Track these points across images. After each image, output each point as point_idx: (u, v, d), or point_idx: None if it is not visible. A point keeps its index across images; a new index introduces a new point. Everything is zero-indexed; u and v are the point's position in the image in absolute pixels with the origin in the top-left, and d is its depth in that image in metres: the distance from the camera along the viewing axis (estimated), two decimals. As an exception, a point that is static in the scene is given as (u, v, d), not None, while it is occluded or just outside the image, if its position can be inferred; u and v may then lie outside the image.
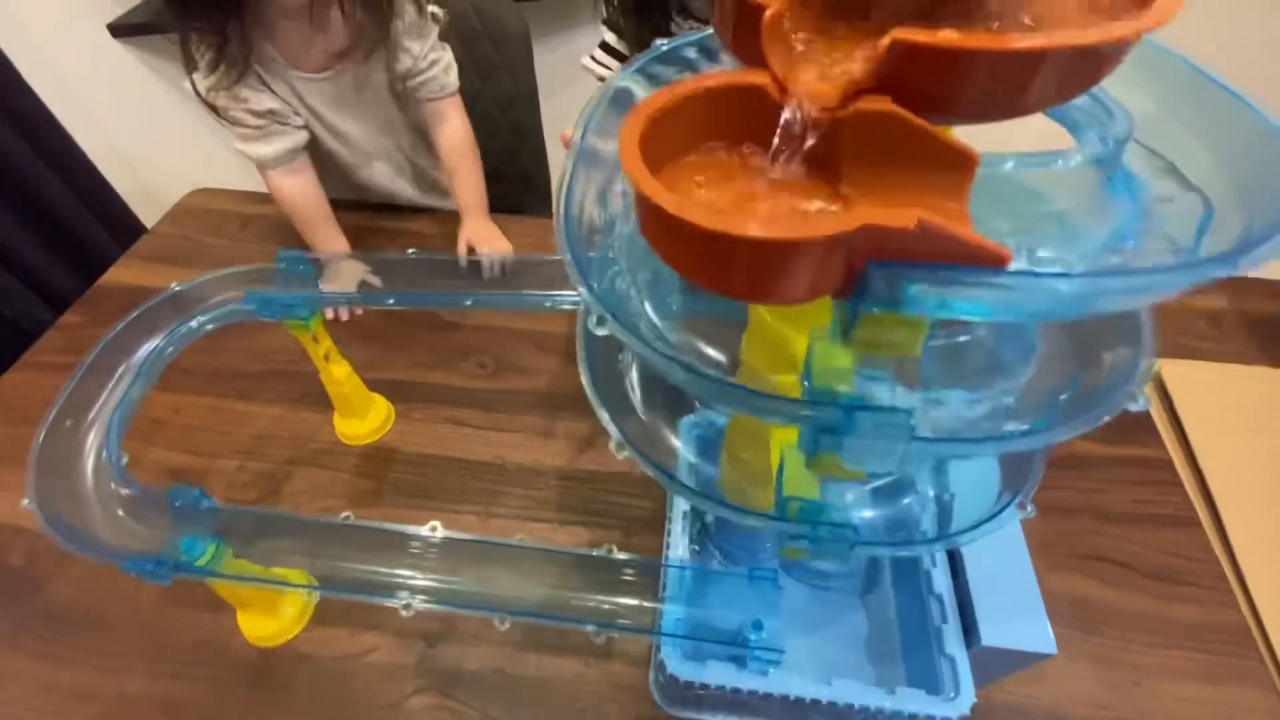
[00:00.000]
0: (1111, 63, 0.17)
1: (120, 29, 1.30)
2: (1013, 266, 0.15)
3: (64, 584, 0.54)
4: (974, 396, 0.24)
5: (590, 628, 0.39)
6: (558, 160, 1.13)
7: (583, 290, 0.21)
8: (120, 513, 0.42)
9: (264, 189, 0.75)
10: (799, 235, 0.13)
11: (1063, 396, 0.22)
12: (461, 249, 0.75)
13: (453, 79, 0.75)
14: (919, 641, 0.44)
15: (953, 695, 0.40)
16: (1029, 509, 0.29)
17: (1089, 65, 0.16)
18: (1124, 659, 0.50)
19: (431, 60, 0.72)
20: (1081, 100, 0.21)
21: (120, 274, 0.79)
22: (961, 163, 0.16)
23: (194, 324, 0.48)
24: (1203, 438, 0.62)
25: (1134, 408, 0.20)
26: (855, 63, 0.16)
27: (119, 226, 1.23)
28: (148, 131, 1.41)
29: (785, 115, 0.16)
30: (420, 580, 0.40)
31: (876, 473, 0.34)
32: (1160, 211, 0.20)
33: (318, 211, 0.75)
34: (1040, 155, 0.18)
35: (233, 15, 0.60)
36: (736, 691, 0.40)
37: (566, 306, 0.47)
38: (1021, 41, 0.14)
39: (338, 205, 0.77)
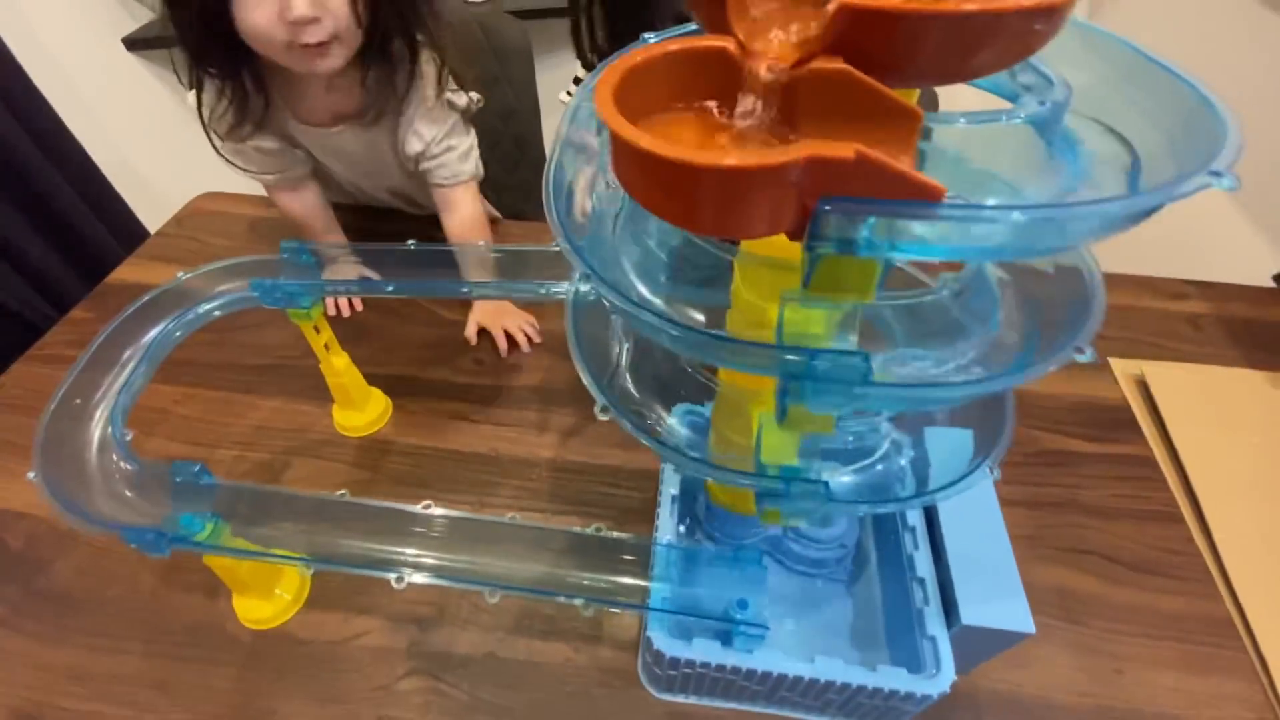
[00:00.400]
0: (1048, 26, 0.18)
1: (135, 42, 1.34)
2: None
3: (63, 567, 0.54)
4: (939, 356, 0.25)
5: (579, 601, 0.40)
6: (557, 170, 1.16)
7: (565, 246, 0.23)
8: (123, 488, 0.43)
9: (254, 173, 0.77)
10: (750, 163, 0.15)
11: (1018, 355, 0.24)
12: (470, 330, 0.72)
13: (468, 167, 0.71)
14: (902, 625, 0.45)
15: (933, 673, 0.40)
16: (996, 472, 0.30)
17: (1023, 28, 0.18)
18: (1107, 648, 0.51)
19: (446, 146, 0.68)
20: (1024, 74, 0.23)
21: (127, 272, 0.81)
22: (908, 118, 0.18)
23: (200, 310, 0.50)
24: (1184, 436, 0.63)
25: (1081, 358, 0.22)
26: (810, 27, 0.17)
27: (126, 235, 1.26)
28: (159, 142, 1.45)
29: (747, 76, 0.18)
30: (414, 555, 0.41)
31: (845, 428, 0.35)
32: (1099, 175, 0.21)
33: (322, 226, 0.76)
34: (989, 112, 0.20)
35: (245, 64, 0.58)
36: (721, 668, 0.41)
37: (560, 293, 0.48)
38: (955, 5, 0.16)
39: (340, 208, 0.79)
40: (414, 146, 0.67)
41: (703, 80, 0.19)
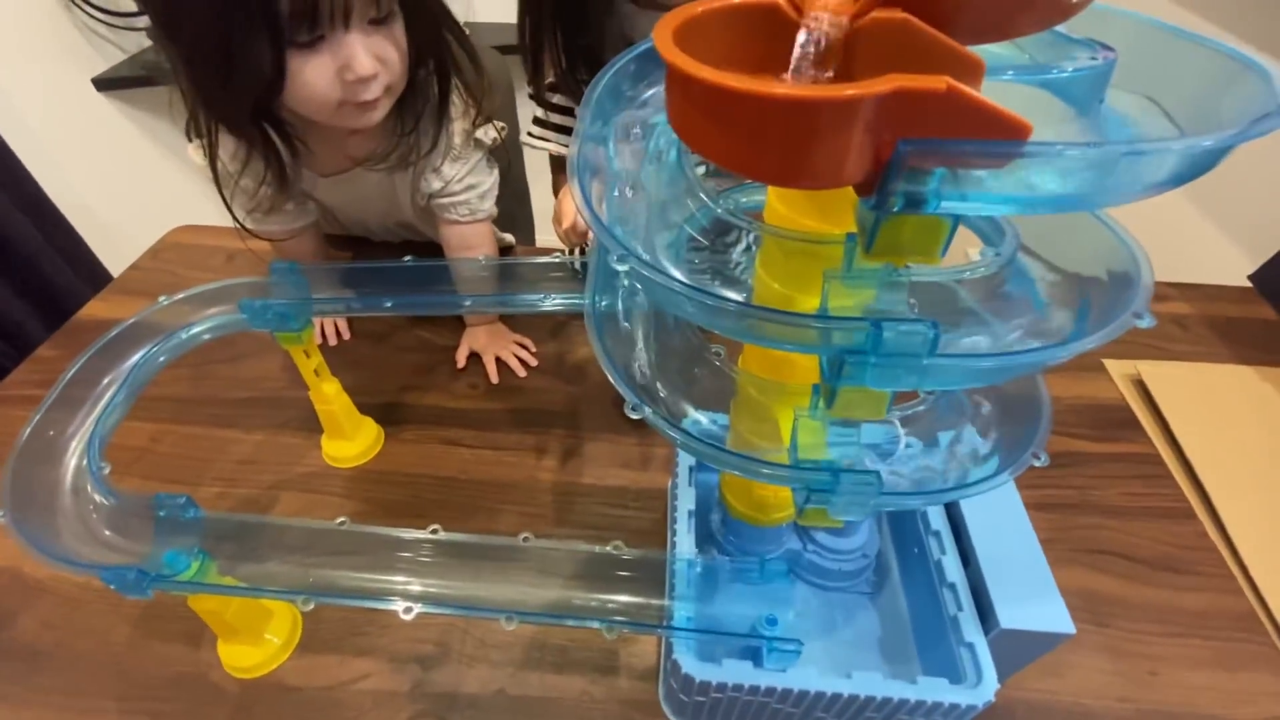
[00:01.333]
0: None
1: (105, 83, 1.32)
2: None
3: (29, 621, 0.50)
4: (992, 331, 0.24)
5: (598, 625, 0.37)
6: (539, 200, 1.16)
7: (601, 231, 0.22)
8: (100, 526, 0.39)
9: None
10: (832, 94, 0.14)
11: (1069, 328, 0.23)
12: (461, 354, 0.69)
13: (488, 205, 0.67)
14: (934, 634, 0.43)
15: (975, 682, 0.39)
16: (1043, 458, 0.29)
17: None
18: (1138, 650, 0.50)
19: (468, 185, 0.64)
20: (1054, 47, 0.23)
21: (99, 308, 0.77)
22: (970, 67, 0.17)
23: (184, 335, 0.47)
24: (1187, 433, 0.63)
25: (1141, 323, 0.21)
26: (865, -22, 0.17)
27: (91, 278, 1.22)
28: (130, 183, 1.42)
29: (804, 29, 0.17)
30: (421, 584, 0.39)
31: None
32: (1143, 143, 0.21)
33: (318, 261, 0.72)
34: (1038, 65, 0.19)
35: (272, 124, 0.52)
36: (754, 690, 0.39)
37: (559, 305, 0.47)
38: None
39: (336, 239, 0.77)
40: (433, 185, 0.64)
41: (752, 40, 0.18)
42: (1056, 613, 0.40)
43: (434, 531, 0.40)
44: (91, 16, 1.27)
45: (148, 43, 1.34)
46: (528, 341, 0.72)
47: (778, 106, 0.14)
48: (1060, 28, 0.22)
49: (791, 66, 0.18)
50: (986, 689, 0.38)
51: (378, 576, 0.38)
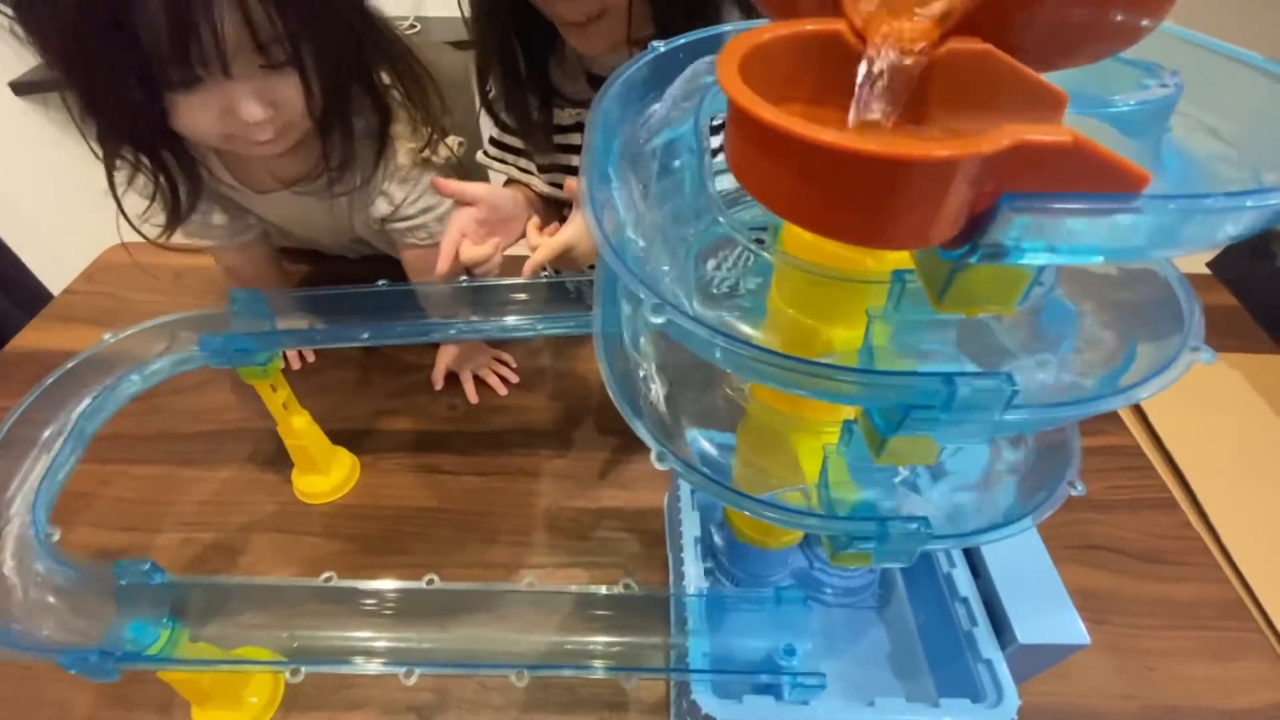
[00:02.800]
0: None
1: (23, 86, 1.22)
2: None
3: (-28, 698, 0.45)
4: (1029, 368, 0.23)
5: (608, 674, 0.36)
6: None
7: (630, 280, 0.20)
8: (52, 599, 0.35)
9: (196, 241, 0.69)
10: (943, 154, 0.12)
11: (1123, 356, 0.22)
12: (438, 374, 0.66)
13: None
14: (947, 649, 0.43)
15: (996, 701, 0.38)
16: (1079, 487, 0.28)
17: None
18: (1134, 645, 0.50)
19: (423, 208, 0.58)
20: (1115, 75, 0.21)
21: (32, 338, 0.71)
22: (1053, 102, 0.15)
23: (134, 378, 0.43)
24: (1165, 423, 0.64)
25: (1205, 359, 0.20)
26: (939, 3, 0.15)
27: (26, 298, 1.12)
28: (57, 192, 1.31)
29: (872, 61, 0.15)
30: (418, 643, 0.36)
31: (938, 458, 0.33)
32: (1209, 172, 0.20)
33: (266, 283, 0.67)
34: (1100, 98, 0.18)
35: (170, 146, 0.48)
36: (776, 726, 0.38)
37: (556, 330, 0.44)
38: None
39: (296, 254, 0.72)
40: (381, 209, 0.58)
41: (808, 72, 0.16)
42: (1071, 623, 0.40)
43: (429, 582, 0.37)
44: (3, 14, 1.16)
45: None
46: (507, 357, 0.69)
47: (870, 165, 0.13)
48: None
49: (857, 103, 0.16)
50: (1009, 707, 0.38)
51: (370, 636, 0.35)
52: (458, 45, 1.13)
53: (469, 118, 1.03)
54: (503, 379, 0.67)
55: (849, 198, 0.14)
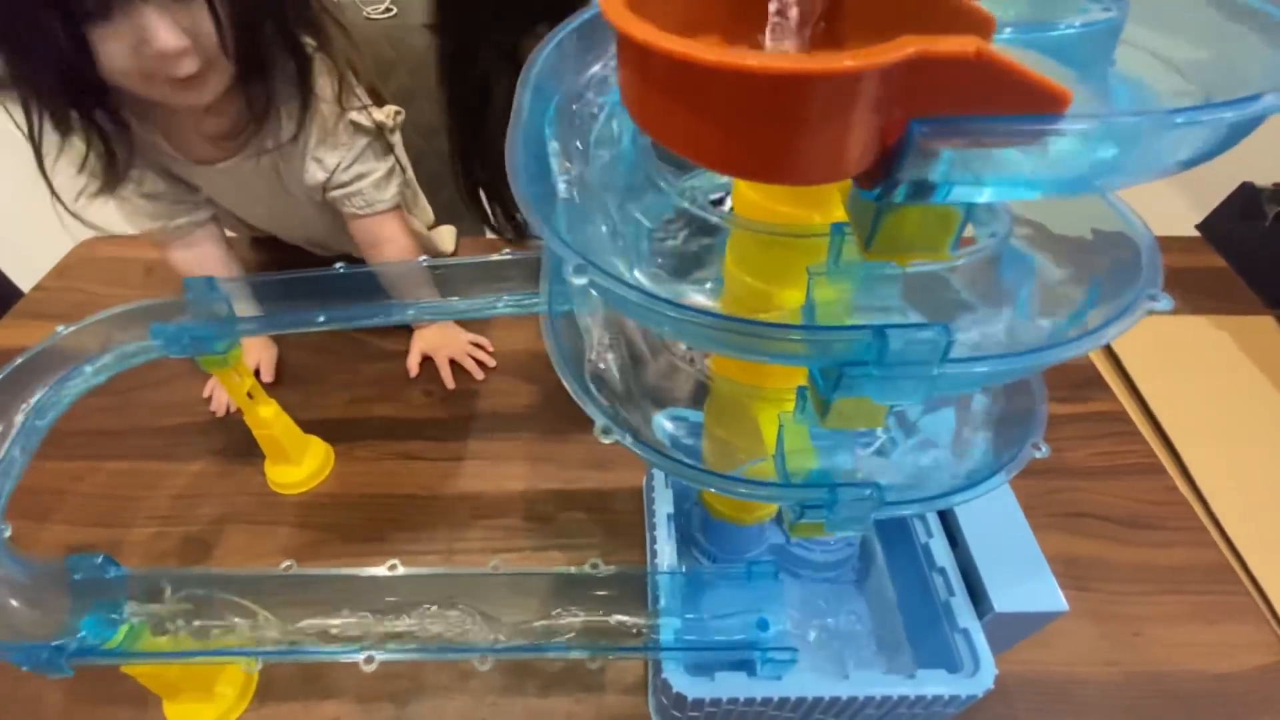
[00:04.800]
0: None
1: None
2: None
3: (-59, 698, 0.45)
4: (981, 321, 0.22)
5: (581, 654, 0.35)
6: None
7: (553, 240, 0.18)
8: (5, 595, 0.35)
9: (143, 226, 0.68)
10: (831, 66, 0.11)
11: (1077, 312, 0.21)
12: (413, 360, 0.65)
13: (388, 194, 0.61)
14: (926, 620, 0.42)
15: (973, 670, 0.38)
16: (1043, 449, 0.27)
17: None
18: (1120, 611, 0.50)
19: (356, 174, 0.58)
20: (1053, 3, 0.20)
21: (1, 336, 0.70)
22: (979, 25, 0.14)
23: (86, 369, 0.42)
24: (1151, 387, 0.63)
25: (1159, 308, 0.19)
26: (850, -79, 0.14)
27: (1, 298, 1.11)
28: (23, 187, 1.29)
29: (779, -16, 0.14)
30: (384, 628, 0.35)
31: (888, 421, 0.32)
32: (1162, 101, 0.18)
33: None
34: (1040, 23, 0.17)
35: (99, 102, 0.47)
36: (750, 702, 0.37)
37: (514, 309, 0.43)
38: None
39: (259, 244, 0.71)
40: (316, 176, 0.58)
41: (718, 6, 0.15)
42: (1048, 591, 0.39)
43: (392, 567, 0.36)
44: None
45: None
46: (484, 341, 0.68)
47: (763, 83, 0.11)
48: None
49: (771, 28, 0.14)
50: (985, 676, 0.37)
51: (333, 623, 0.35)
52: (433, 29, 1.10)
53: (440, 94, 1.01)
54: (480, 363, 0.66)
55: (747, 125, 0.12)
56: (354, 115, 0.56)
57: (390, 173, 0.61)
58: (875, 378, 0.17)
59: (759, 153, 0.13)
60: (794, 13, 0.14)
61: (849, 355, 0.17)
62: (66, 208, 0.51)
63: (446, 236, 0.79)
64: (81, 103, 0.46)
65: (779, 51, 0.15)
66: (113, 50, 0.42)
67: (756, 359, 0.20)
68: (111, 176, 0.50)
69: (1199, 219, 0.84)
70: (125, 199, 0.56)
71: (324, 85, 0.54)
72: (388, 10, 1.37)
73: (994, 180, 0.14)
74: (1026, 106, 0.12)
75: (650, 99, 0.14)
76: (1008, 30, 0.16)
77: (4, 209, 1.25)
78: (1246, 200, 0.79)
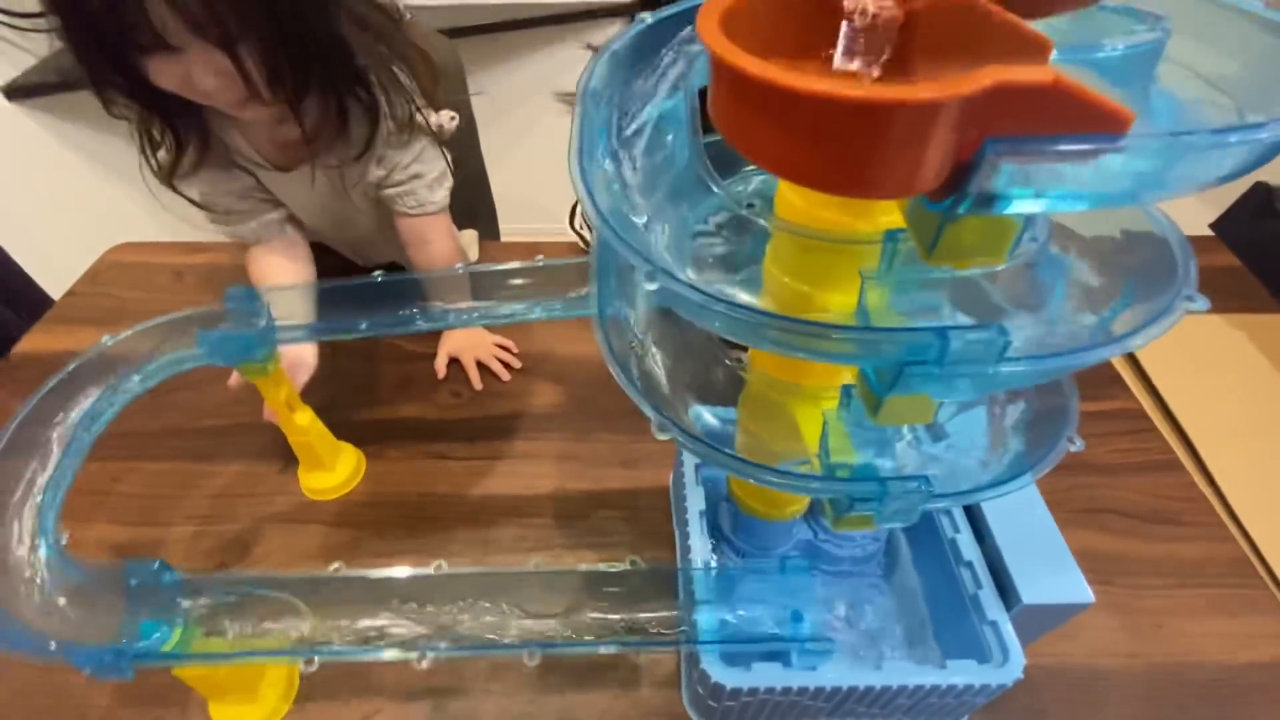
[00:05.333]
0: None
1: (16, 91, 1.21)
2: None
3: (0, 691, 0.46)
4: (1024, 321, 0.23)
5: (620, 649, 0.36)
6: (500, 189, 1.12)
7: (624, 249, 0.20)
8: (64, 601, 0.36)
9: (196, 238, 0.69)
10: (915, 96, 0.12)
11: (1115, 308, 0.22)
12: (440, 362, 0.67)
13: (438, 196, 0.63)
14: (953, 612, 0.43)
15: (1002, 660, 0.39)
16: (1078, 442, 0.28)
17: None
18: (1141, 604, 0.51)
19: (413, 174, 0.61)
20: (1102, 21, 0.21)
21: (37, 341, 0.71)
22: (1039, 49, 0.15)
23: (136, 378, 0.43)
24: (1169, 385, 0.64)
25: (1196, 308, 0.20)
26: (918, -46, 0.15)
27: (27, 305, 1.12)
28: (54, 197, 1.31)
29: (853, 13, 0.15)
30: (428, 627, 0.36)
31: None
32: (1198, 118, 0.20)
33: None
34: (1086, 45, 0.18)
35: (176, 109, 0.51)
36: (787, 691, 0.38)
37: (543, 315, 0.44)
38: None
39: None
40: (375, 173, 0.60)
41: (792, 26, 0.16)
42: (1075, 583, 0.40)
43: (437, 568, 0.38)
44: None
45: (59, 44, 1.23)
46: (509, 342, 0.69)
47: (856, 110, 0.12)
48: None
49: (840, 56, 0.16)
50: (1014, 666, 0.38)
51: (381, 623, 0.36)
52: (448, 33, 1.12)
53: (462, 106, 1.03)
54: (505, 364, 0.68)
55: (833, 146, 0.14)
56: (420, 116, 0.59)
57: (442, 175, 0.63)
58: (935, 376, 0.18)
59: (845, 171, 0.14)
60: (863, 38, 0.15)
61: (910, 355, 0.18)
62: (167, 182, 0.55)
63: (469, 241, 0.81)
64: (156, 106, 0.50)
65: (847, 69, 0.16)
66: (164, 80, 0.45)
67: (817, 359, 0.21)
68: (172, 169, 0.54)
69: (1212, 218, 0.85)
70: (216, 204, 0.59)
71: (393, 101, 0.56)
72: (402, 15, 1.39)
73: (1051, 193, 0.15)
74: (1093, 126, 0.13)
75: (741, 120, 0.15)
76: (1056, 52, 0.17)
77: (34, 216, 1.28)
78: (1259, 200, 0.79)
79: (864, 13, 0.15)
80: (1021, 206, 0.15)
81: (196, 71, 0.44)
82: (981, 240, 0.17)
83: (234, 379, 0.58)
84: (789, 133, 0.14)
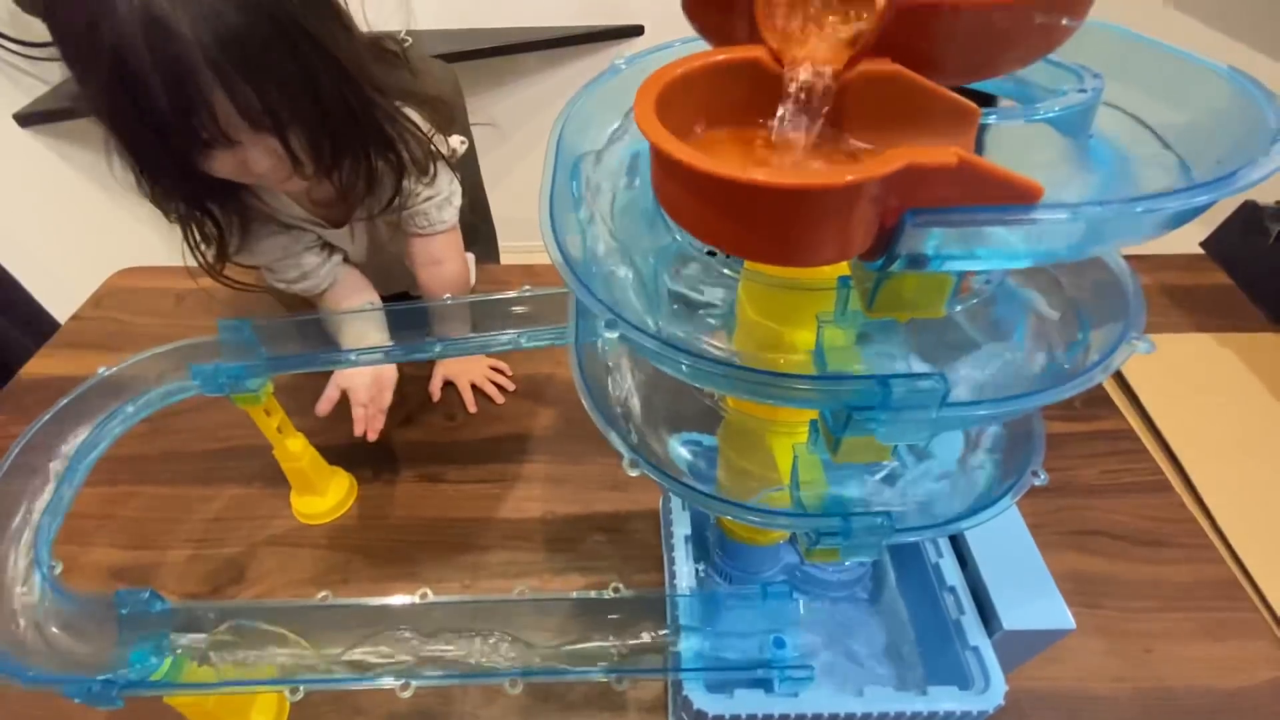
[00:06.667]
0: (1078, 14, 0.17)
1: (28, 118, 1.24)
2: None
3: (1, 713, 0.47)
4: (982, 359, 0.24)
5: (604, 676, 0.36)
6: (500, 211, 1.13)
7: (586, 297, 0.20)
8: (56, 630, 0.36)
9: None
10: (842, 180, 0.13)
11: (1072, 346, 0.23)
12: (435, 385, 0.68)
13: (448, 215, 0.64)
14: (937, 638, 0.44)
15: (983, 687, 0.39)
16: (1042, 476, 0.29)
17: (1064, 15, 0.17)
18: (1130, 628, 0.51)
19: (424, 196, 0.62)
20: (1040, 72, 0.22)
21: (41, 365, 0.73)
22: (964, 115, 0.16)
23: (130, 409, 0.44)
24: (1158, 405, 0.64)
25: (1142, 349, 0.21)
26: (849, 29, 0.16)
27: (34, 327, 1.14)
28: (61, 222, 1.34)
29: (792, 84, 0.16)
30: (415, 655, 0.37)
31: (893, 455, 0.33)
32: (1140, 172, 0.20)
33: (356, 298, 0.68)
34: (1023, 108, 0.19)
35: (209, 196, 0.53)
36: (769, 718, 0.38)
37: (540, 343, 0.45)
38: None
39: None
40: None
41: (733, 96, 0.17)
42: (1056, 609, 0.40)
43: (423, 596, 0.38)
44: (3, 48, 1.19)
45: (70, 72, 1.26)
46: (503, 365, 0.70)
47: (776, 195, 0.13)
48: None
49: (778, 123, 0.16)
50: (995, 693, 0.38)
51: (367, 651, 0.36)
52: (446, 57, 1.14)
53: (460, 124, 1.05)
54: (500, 387, 0.68)
55: (760, 224, 0.14)
56: (439, 139, 0.61)
57: (451, 194, 0.64)
58: (881, 420, 0.19)
59: (773, 244, 0.15)
60: (797, 108, 0.16)
61: (856, 401, 0.19)
62: (211, 271, 0.58)
63: (469, 264, 0.82)
64: (197, 200, 0.52)
65: (786, 136, 0.17)
66: (222, 169, 0.48)
67: (773, 403, 0.21)
68: (222, 255, 0.57)
69: (1202, 236, 0.85)
70: (275, 269, 0.61)
71: (412, 148, 0.58)
72: (402, 40, 1.42)
73: (984, 253, 0.16)
74: (1005, 197, 0.14)
75: (678, 198, 0.16)
76: (992, 116, 0.18)
77: (43, 241, 1.30)
78: (1249, 218, 0.80)
79: (800, 83, 0.16)
80: (955, 265, 0.16)
81: (252, 158, 0.47)
82: (918, 295, 0.17)
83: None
84: (719, 212, 0.15)
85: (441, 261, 0.66)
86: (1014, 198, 0.14)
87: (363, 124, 0.52)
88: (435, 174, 0.62)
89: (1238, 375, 0.67)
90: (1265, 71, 0.20)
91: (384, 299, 0.77)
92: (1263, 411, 0.63)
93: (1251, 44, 0.90)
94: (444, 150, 0.62)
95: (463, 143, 0.65)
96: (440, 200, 0.63)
